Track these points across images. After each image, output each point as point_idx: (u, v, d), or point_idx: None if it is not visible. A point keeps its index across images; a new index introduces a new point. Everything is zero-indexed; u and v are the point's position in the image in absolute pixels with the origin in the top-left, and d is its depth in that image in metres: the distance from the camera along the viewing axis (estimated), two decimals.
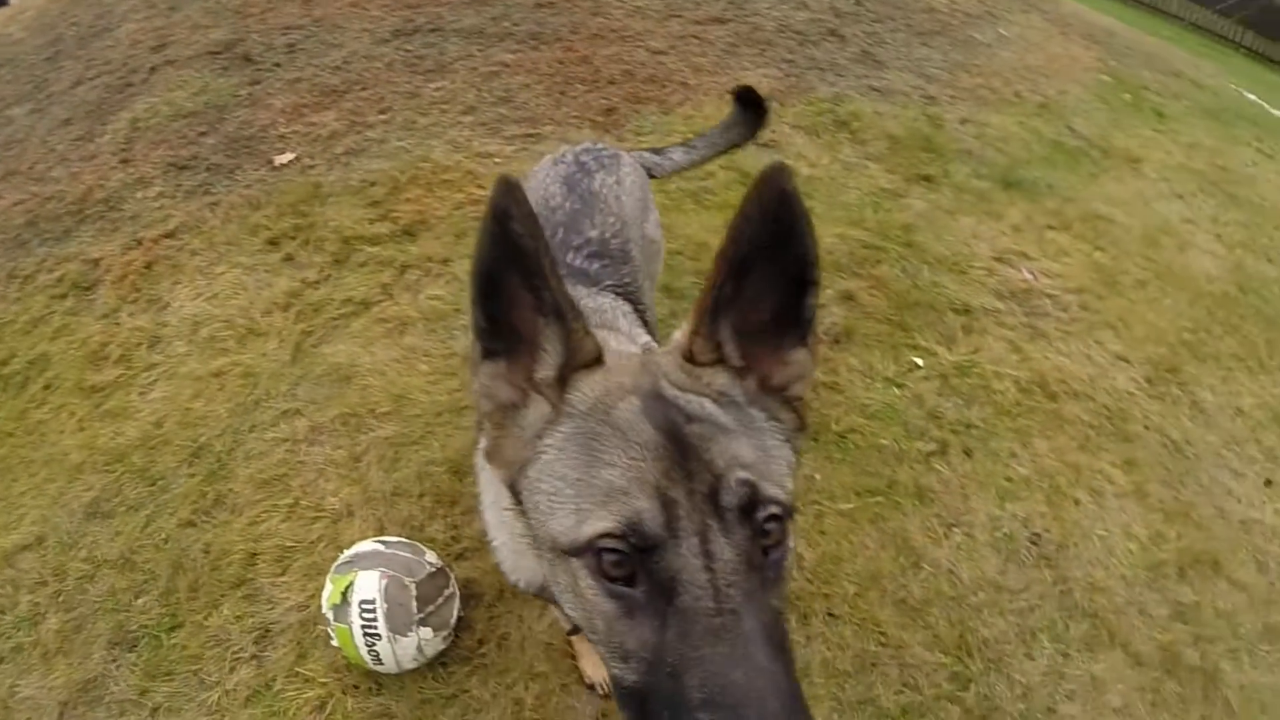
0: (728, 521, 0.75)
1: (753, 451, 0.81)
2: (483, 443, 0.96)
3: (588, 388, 0.86)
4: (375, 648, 1.81)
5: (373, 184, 3.12)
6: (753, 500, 0.76)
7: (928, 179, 3.57)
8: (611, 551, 0.75)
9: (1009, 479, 2.39)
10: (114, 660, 2.11)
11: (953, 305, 2.91)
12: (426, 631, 1.85)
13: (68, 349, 2.91)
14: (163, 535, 2.29)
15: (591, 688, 1.92)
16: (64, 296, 3.12)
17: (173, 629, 2.13)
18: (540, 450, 0.85)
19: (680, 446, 0.77)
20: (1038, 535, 2.28)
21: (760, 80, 4.11)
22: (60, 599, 2.26)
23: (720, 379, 0.87)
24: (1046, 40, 5.66)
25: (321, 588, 2.07)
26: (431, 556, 1.97)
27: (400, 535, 2.09)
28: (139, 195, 3.36)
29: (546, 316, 0.85)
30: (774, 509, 0.78)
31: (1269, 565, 2.38)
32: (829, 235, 3.16)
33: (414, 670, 1.93)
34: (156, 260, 3.02)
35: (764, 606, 0.74)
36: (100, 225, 3.34)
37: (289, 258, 2.88)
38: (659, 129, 3.53)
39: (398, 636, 1.81)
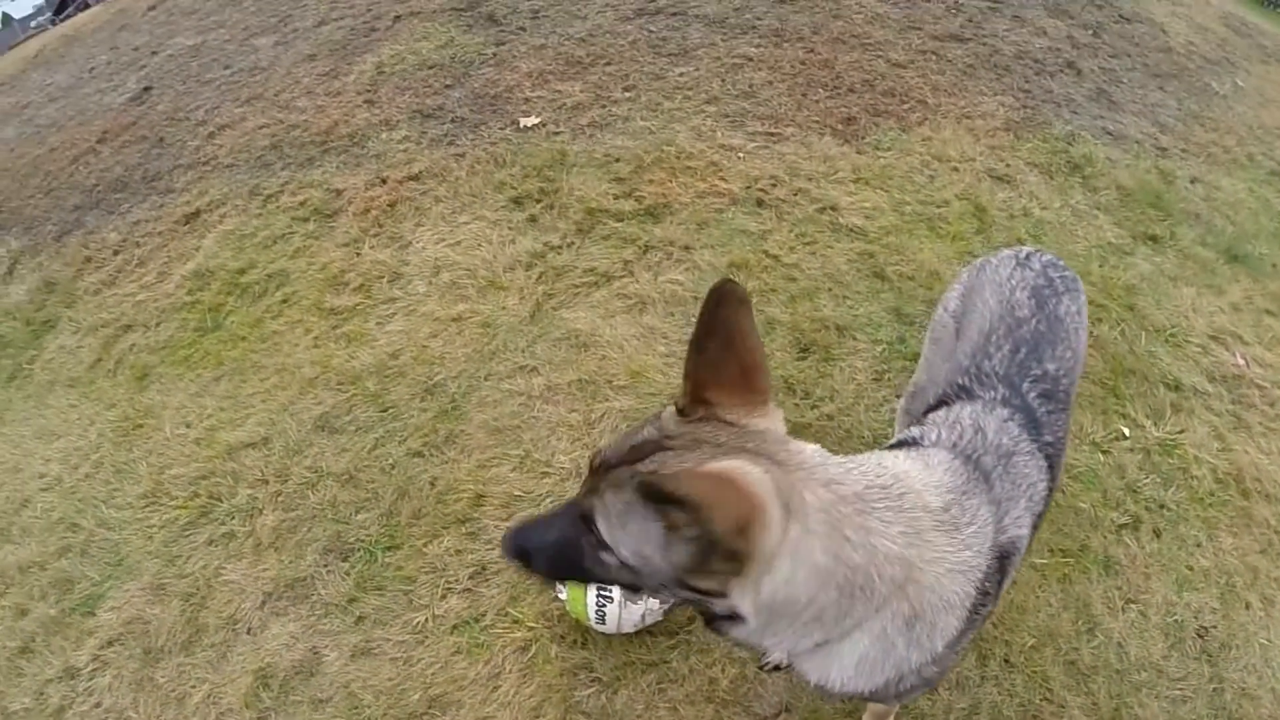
0: None
1: None
2: None
3: None
4: (604, 609, 1.98)
5: (617, 159, 3.34)
6: None
7: (1154, 239, 3.50)
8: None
9: (1190, 567, 2.40)
10: (326, 566, 2.38)
11: (1165, 379, 2.87)
12: (654, 603, 2.01)
13: (308, 269, 3.28)
14: (390, 460, 2.56)
15: None
16: (306, 220, 3.52)
17: (390, 548, 2.38)
18: None
19: None
20: (1205, 629, 2.29)
21: (997, 108, 4.09)
22: (280, 498, 2.57)
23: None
24: None
25: None
26: None
27: None
28: (384, 136, 3.74)
29: None
30: None
31: None
32: None
33: (622, 635, 2.08)
34: (400, 200, 3.35)
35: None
36: (344, 158, 3.74)
37: (533, 219, 3.13)
38: (897, 146, 3.57)
39: (628, 604, 1.97)
